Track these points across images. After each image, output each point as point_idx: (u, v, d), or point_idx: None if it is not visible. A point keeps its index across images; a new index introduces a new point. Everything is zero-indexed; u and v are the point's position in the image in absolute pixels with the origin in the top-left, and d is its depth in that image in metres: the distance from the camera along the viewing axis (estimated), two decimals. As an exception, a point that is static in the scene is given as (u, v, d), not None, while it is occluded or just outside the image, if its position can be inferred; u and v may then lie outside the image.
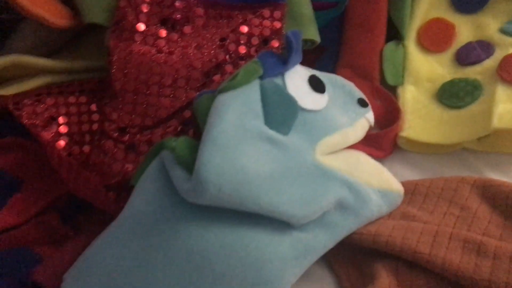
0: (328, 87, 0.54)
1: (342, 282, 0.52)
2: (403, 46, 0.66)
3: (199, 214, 0.46)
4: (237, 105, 0.47)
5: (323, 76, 0.55)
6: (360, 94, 0.58)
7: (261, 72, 0.50)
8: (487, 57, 0.63)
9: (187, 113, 0.55)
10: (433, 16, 0.68)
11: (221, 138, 0.44)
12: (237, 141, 0.45)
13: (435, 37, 0.67)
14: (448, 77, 0.64)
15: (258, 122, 0.47)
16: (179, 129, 0.55)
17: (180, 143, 0.47)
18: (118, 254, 0.46)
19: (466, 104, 0.60)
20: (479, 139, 0.59)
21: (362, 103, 0.57)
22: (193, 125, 0.54)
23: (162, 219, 0.46)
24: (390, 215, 0.54)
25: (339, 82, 0.57)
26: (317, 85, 0.53)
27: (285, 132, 0.49)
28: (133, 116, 0.54)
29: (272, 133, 0.48)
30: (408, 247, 0.47)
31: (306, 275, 0.55)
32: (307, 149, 0.50)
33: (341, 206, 0.50)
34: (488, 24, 0.66)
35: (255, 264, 0.45)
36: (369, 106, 0.58)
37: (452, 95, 0.62)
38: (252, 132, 0.46)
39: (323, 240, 0.49)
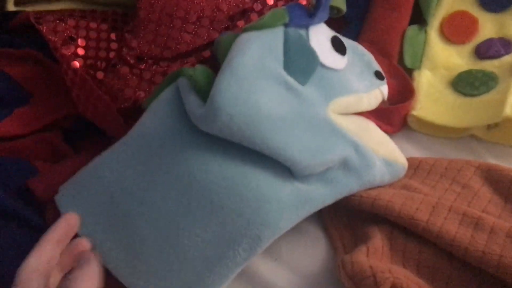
0: (348, 51, 0.55)
1: (334, 242, 0.53)
2: (426, 32, 0.67)
3: (207, 143, 0.46)
4: (259, 43, 0.48)
5: (345, 40, 0.56)
6: (377, 66, 0.59)
7: (287, 19, 0.50)
8: (507, 53, 0.64)
9: (206, 53, 0.56)
10: (459, 8, 0.69)
11: (241, 70, 0.45)
12: (255, 77, 0.45)
13: (457, 29, 0.68)
14: (465, 68, 0.65)
15: (277, 65, 0.48)
16: (196, 66, 0.55)
17: (198, 71, 0.48)
18: (120, 170, 0.46)
19: (480, 93, 0.61)
20: (488, 128, 0.60)
21: (378, 75, 0.58)
22: (211, 65, 0.55)
23: (170, 143, 0.46)
24: (391, 185, 0.54)
25: (360, 51, 0.58)
26: (339, 46, 0.54)
27: (303, 82, 0.49)
28: (153, 46, 0.55)
29: (289, 79, 0.48)
30: (406, 213, 0.48)
31: (300, 235, 0.56)
32: (321, 104, 0.50)
33: (345, 165, 0.50)
34: (511, 24, 0.67)
35: (254, 202, 0.45)
36: (385, 79, 0.59)
37: (468, 83, 0.63)
38: (270, 72, 0.47)
39: (323, 194, 0.49)
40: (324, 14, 0.53)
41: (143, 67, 0.54)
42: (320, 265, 0.53)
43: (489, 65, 0.64)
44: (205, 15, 0.56)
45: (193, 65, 0.55)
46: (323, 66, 0.51)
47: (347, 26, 0.68)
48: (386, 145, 0.55)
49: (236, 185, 0.45)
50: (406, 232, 0.49)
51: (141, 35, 0.55)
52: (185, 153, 0.46)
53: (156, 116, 0.48)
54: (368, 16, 0.67)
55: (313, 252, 0.54)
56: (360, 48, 0.58)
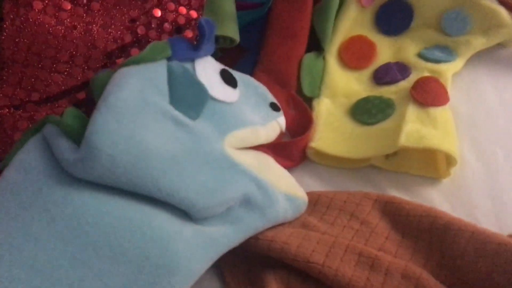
0: (240, 84, 0.53)
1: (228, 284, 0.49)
2: (324, 58, 0.66)
3: (92, 184, 0.40)
4: (139, 77, 0.43)
5: (235, 73, 0.54)
6: (272, 98, 0.57)
7: (169, 52, 0.47)
8: (403, 78, 0.64)
9: (81, 95, 0.51)
10: (356, 33, 0.68)
11: (119, 105, 0.40)
12: (137, 112, 0.41)
13: (356, 54, 0.68)
14: (363, 94, 0.64)
15: (162, 100, 0.44)
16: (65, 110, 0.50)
17: (68, 113, 0.43)
18: None
19: (378, 121, 0.60)
20: (387, 157, 0.59)
21: (274, 107, 0.56)
22: (87, 109, 0.50)
23: (46, 188, 0.40)
24: (290, 223, 0.52)
25: (253, 83, 0.56)
26: (229, 79, 0.51)
27: (193, 117, 0.46)
28: (18, 89, 0.49)
29: (177, 113, 0.44)
30: (302, 256, 0.45)
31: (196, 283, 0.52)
32: (216, 139, 0.47)
33: (247, 202, 0.47)
34: (407, 48, 0.67)
35: (159, 242, 0.40)
36: (281, 111, 0.57)
37: (365, 111, 0.62)
38: (155, 106, 0.43)
39: (227, 235, 0.45)
40: (210, 46, 0.50)
41: (4, 112, 0.48)
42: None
43: (386, 91, 0.64)
44: (79, 53, 0.51)
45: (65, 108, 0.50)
46: (213, 99, 0.48)
47: (244, 55, 0.66)
48: (286, 180, 0.53)
49: (137, 225, 0.40)
50: (304, 279, 0.47)
51: (5, 77, 0.49)
52: (69, 199, 0.40)
53: (23, 168, 0.42)
54: (264, 44, 0.65)
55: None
56: (252, 80, 0.56)
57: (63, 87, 0.50)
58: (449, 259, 0.46)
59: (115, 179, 0.40)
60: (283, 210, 0.50)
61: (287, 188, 0.52)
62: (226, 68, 0.53)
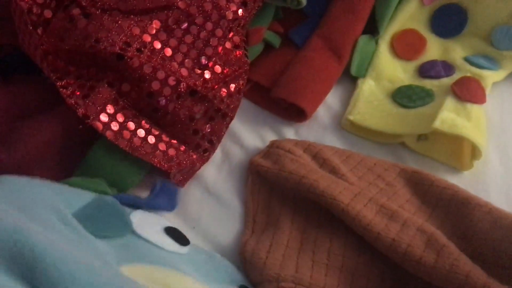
0: (200, 252, 0.52)
1: (247, 217, 0.56)
2: (376, 42, 0.73)
3: None
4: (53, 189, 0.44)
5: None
6: (242, 282, 0.52)
7: (108, 191, 0.49)
8: (447, 75, 0.70)
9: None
10: (411, 27, 0.75)
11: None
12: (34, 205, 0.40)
13: (407, 46, 0.74)
14: (406, 82, 0.70)
15: (63, 206, 0.43)
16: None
17: None
18: None
19: (416, 106, 0.66)
20: (418, 139, 0.65)
21: None
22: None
23: None
24: (321, 166, 0.58)
25: (220, 260, 0.53)
26: (174, 234, 0.50)
27: (94, 234, 0.43)
28: (108, -5, 0.56)
29: (76, 222, 0.43)
30: (330, 193, 0.51)
31: (221, 206, 0.59)
32: (112, 259, 0.43)
33: None
34: (456, 50, 0.74)
35: None
36: None
37: (406, 96, 0.68)
38: (57, 210, 0.42)
39: None
40: (158, 203, 0.52)
41: (93, 11, 0.55)
42: (233, 238, 0.56)
43: (428, 84, 0.70)
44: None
45: (146, 25, 0.56)
46: (136, 235, 0.46)
47: (305, 20, 0.72)
48: None
49: None
50: (318, 226, 0.53)
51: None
52: None
53: None
54: (327, 14, 0.71)
55: (229, 225, 0.57)
56: (223, 259, 0.53)
57: (148, 5, 0.56)
58: (463, 228, 0.52)
59: None
60: None
61: None
62: (177, 228, 0.51)
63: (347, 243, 0.52)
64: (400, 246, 0.48)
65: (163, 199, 0.52)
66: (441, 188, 0.55)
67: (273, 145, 0.62)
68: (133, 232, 0.46)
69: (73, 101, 0.52)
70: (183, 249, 0.49)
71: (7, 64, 0.56)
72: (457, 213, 0.53)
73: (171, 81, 0.54)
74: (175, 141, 0.57)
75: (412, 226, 0.50)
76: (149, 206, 0.51)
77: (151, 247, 0.46)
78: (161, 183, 0.52)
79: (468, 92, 0.66)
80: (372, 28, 0.73)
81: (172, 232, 0.49)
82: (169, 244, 0.48)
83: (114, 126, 0.54)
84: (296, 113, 0.67)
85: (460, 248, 0.49)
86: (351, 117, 0.66)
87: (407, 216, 0.51)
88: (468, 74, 0.70)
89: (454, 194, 0.54)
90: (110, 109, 0.54)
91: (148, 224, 0.48)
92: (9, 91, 0.52)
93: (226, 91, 0.60)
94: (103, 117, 0.53)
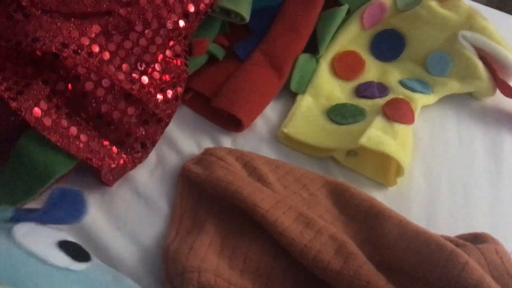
0: (105, 272, 0.48)
1: (173, 219, 0.58)
2: (317, 61, 0.77)
3: None
4: None
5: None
6: None
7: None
8: (380, 96, 0.74)
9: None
10: (351, 49, 0.79)
11: None
12: None
13: (346, 67, 0.78)
14: (343, 101, 0.74)
15: None
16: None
17: None
18: None
19: (348, 123, 0.70)
20: (347, 155, 0.69)
21: None
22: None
23: None
24: (250, 173, 0.60)
25: (125, 281, 0.49)
26: (71, 251, 0.46)
27: None
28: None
29: None
30: (252, 200, 0.54)
31: (149, 207, 0.61)
32: None
33: None
34: (392, 73, 0.78)
35: None
36: None
37: (340, 113, 0.72)
38: None
39: None
40: (58, 213, 0.47)
41: (33, 12, 0.57)
42: (157, 239, 0.58)
43: (362, 103, 0.74)
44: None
45: (85, 28, 0.58)
46: (21, 248, 0.42)
47: (250, 35, 0.76)
48: None
49: None
50: (239, 231, 0.56)
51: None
52: None
53: None
54: (270, 30, 0.75)
55: (156, 227, 0.59)
56: (126, 280, 0.50)
57: (89, 10, 0.59)
58: (374, 238, 0.55)
59: None
60: None
61: None
62: (75, 242, 0.48)
63: (264, 249, 0.54)
64: (310, 252, 0.51)
65: (61, 210, 0.47)
66: (359, 200, 0.58)
67: (206, 152, 0.65)
68: (17, 245, 0.42)
69: (6, 95, 0.54)
70: (78, 266, 0.44)
71: None
72: (371, 224, 0.56)
73: (105, 83, 0.57)
74: (107, 142, 0.59)
75: (325, 234, 0.53)
76: (41, 220, 0.46)
77: (34, 262, 0.42)
78: (59, 192, 0.47)
79: (397, 112, 0.70)
80: (314, 47, 0.77)
81: (67, 247, 0.45)
82: (59, 258, 0.44)
83: (47, 122, 0.55)
84: (234, 123, 0.70)
85: (370, 257, 0.52)
86: (285, 130, 0.69)
87: (322, 224, 0.54)
88: (400, 96, 0.74)
89: (370, 206, 0.57)
90: (43, 105, 0.56)
91: (37, 237, 0.44)
92: None
93: (162, 97, 0.63)
94: (36, 112, 0.55)
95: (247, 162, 0.63)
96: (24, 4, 0.56)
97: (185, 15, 0.64)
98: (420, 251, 0.51)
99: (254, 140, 0.71)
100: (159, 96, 0.62)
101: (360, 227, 0.56)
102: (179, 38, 0.65)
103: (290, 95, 0.75)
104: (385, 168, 0.68)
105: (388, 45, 0.81)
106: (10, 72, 0.56)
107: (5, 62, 0.56)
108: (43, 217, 0.46)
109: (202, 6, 0.65)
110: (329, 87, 0.76)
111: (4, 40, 0.55)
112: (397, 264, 0.51)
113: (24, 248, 0.42)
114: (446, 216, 0.65)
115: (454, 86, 0.77)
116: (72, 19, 0.58)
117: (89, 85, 0.56)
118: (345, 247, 0.51)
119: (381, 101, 0.73)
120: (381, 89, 0.76)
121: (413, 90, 0.76)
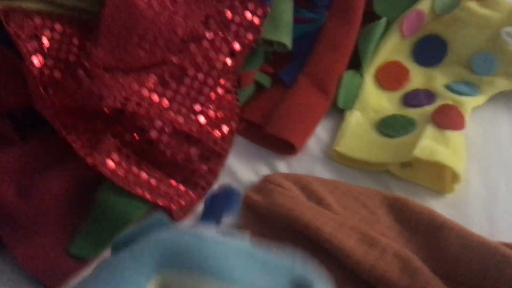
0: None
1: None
2: (361, 76, 0.79)
3: None
4: None
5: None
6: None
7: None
8: (428, 104, 0.76)
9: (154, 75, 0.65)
10: (394, 59, 0.81)
11: None
12: None
13: (390, 77, 0.80)
14: (391, 112, 0.76)
15: None
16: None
17: None
18: None
19: (399, 135, 0.72)
20: (402, 167, 0.70)
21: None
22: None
23: None
24: (309, 197, 0.63)
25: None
26: None
27: None
28: (110, 56, 0.63)
29: None
30: (314, 224, 0.57)
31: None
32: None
33: None
34: (437, 78, 0.79)
35: None
36: None
37: (390, 126, 0.74)
38: None
39: None
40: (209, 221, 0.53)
41: (96, 72, 0.62)
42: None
43: (411, 113, 0.75)
44: (161, 36, 0.65)
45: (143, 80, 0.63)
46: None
47: (293, 60, 0.79)
48: None
49: None
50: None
51: (101, 45, 0.64)
52: None
53: None
54: (312, 53, 0.78)
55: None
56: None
57: (145, 62, 0.64)
58: (438, 251, 0.57)
59: None
60: None
61: None
62: None
63: (332, 271, 0.57)
64: (377, 271, 0.54)
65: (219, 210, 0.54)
66: (420, 214, 0.61)
67: (265, 179, 0.68)
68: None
69: (82, 153, 0.59)
70: None
71: (22, 123, 0.64)
72: (433, 238, 0.58)
73: (168, 129, 0.62)
74: (174, 182, 0.64)
75: (389, 252, 0.55)
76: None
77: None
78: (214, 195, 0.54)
79: (447, 119, 0.71)
80: (357, 63, 0.79)
81: None
82: None
83: (120, 172, 0.61)
84: (287, 147, 0.73)
85: (434, 270, 0.54)
86: (338, 149, 0.72)
87: (385, 242, 0.57)
88: (448, 101, 0.75)
89: (431, 219, 0.59)
90: (115, 157, 0.61)
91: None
92: (25, 148, 0.60)
93: (219, 133, 0.67)
94: (110, 164, 0.61)
95: (305, 186, 0.66)
96: (87, 65, 0.62)
97: (232, 54, 0.68)
98: (485, 263, 0.52)
99: (308, 161, 0.73)
100: (217, 133, 0.67)
101: (422, 241, 0.58)
102: (228, 75, 0.69)
103: (338, 112, 0.78)
104: (441, 175, 0.69)
105: (430, 51, 0.82)
106: (82, 130, 0.61)
107: (77, 121, 0.62)
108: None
109: (246, 42, 0.69)
110: (376, 100, 0.78)
111: (75, 102, 0.61)
112: (463, 276, 0.53)
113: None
114: (509, 218, 0.66)
115: (502, 84, 0.78)
116: (131, 73, 0.64)
117: (154, 133, 0.61)
118: (410, 263, 0.54)
119: (430, 109, 0.75)
120: (428, 96, 0.77)
121: (460, 93, 0.76)
